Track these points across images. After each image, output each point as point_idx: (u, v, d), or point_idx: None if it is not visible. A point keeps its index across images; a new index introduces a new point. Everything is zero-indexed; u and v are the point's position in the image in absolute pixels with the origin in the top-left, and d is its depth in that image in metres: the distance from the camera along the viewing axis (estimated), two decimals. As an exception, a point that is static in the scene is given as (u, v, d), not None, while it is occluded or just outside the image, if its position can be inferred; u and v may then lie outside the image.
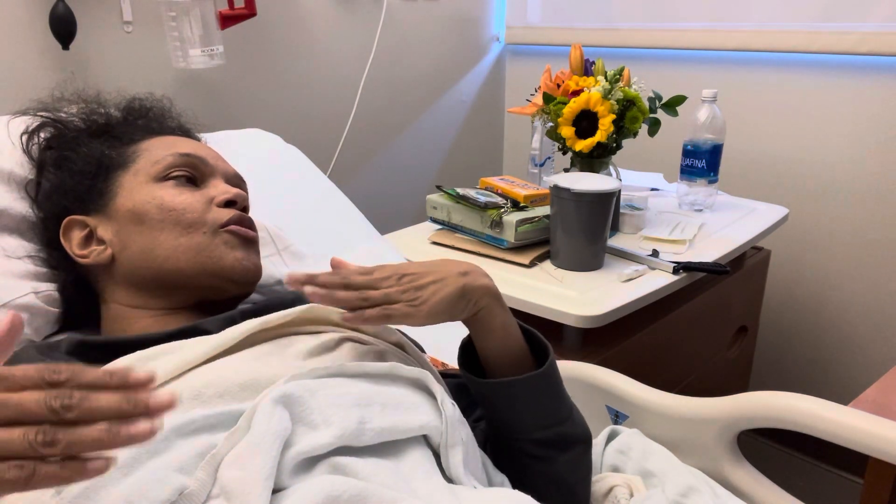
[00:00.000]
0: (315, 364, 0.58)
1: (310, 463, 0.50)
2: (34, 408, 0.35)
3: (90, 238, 0.72)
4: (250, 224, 0.74)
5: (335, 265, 0.63)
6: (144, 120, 0.83)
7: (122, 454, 0.45)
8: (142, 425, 0.36)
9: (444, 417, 0.56)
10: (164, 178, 0.72)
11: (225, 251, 0.70)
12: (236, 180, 0.79)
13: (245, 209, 0.76)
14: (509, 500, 0.53)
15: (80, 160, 0.75)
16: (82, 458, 0.36)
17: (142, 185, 0.71)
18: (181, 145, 0.75)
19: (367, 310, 0.58)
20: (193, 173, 0.73)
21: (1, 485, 0.35)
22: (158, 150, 0.74)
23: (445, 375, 0.72)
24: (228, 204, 0.73)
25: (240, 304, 0.74)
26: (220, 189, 0.73)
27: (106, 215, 0.72)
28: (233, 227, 0.71)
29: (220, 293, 0.71)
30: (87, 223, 0.73)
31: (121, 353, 0.57)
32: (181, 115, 0.87)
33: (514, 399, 0.65)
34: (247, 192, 0.80)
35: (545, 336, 0.70)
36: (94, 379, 0.36)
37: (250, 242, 0.73)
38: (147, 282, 0.70)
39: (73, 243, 0.72)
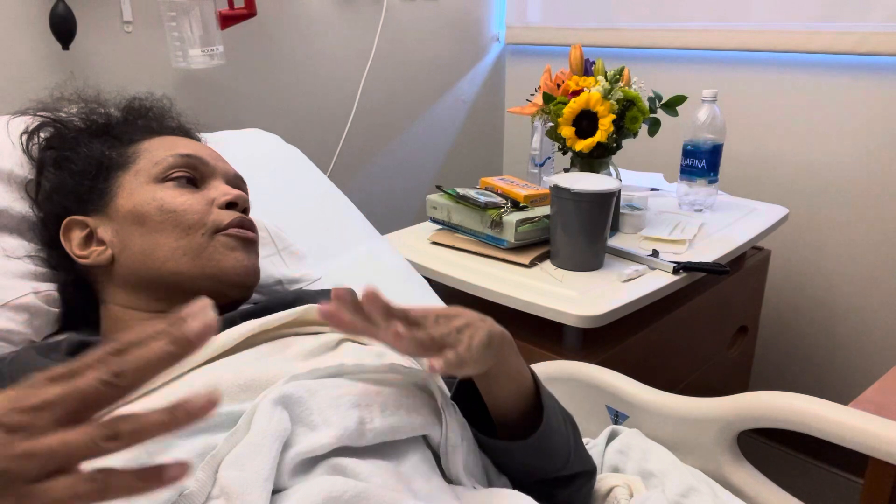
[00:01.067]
0: (315, 364, 0.58)
1: (310, 464, 0.50)
2: (89, 390, 0.33)
3: (90, 238, 0.72)
4: (251, 226, 0.74)
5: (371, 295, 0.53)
6: (144, 120, 0.83)
7: (121, 455, 0.45)
8: (199, 401, 0.35)
9: (445, 419, 0.56)
10: (164, 179, 0.72)
11: (224, 253, 0.70)
12: (237, 181, 0.79)
13: (246, 210, 0.76)
14: (510, 501, 0.53)
15: (80, 160, 0.75)
16: (157, 465, 0.34)
17: (142, 185, 0.71)
18: (181, 146, 0.75)
19: (433, 359, 0.51)
20: (194, 174, 0.73)
21: (73, 501, 0.33)
22: (159, 151, 0.74)
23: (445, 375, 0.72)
24: (229, 205, 0.73)
25: (240, 306, 0.74)
26: (220, 190, 0.73)
27: (106, 216, 0.72)
28: (232, 231, 0.71)
29: (218, 297, 0.70)
30: (87, 223, 0.72)
31: None
32: (181, 115, 0.87)
33: (510, 457, 0.63)
34: (247, 193, 0.80)
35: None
36: (135, 338, 0.35)
37: (250, 243, 0.73)
38: (147, 283, 0.70)
39: (73, 243, 0.72)
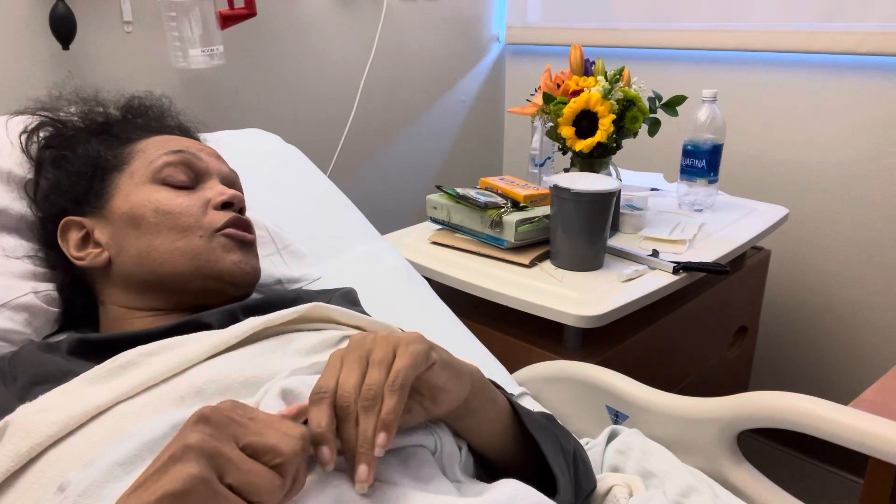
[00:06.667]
0: (316, 360, 0.58)
1: (309, 460, 0.50)
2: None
3: (87, 240, 0.72)
4: (247, 226, 0.74)
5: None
6: (143, 119, 0.83)
7: (123, 452, 0.45)
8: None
9: (436, 434, 0.55)
10: (159, 180, 0.71)
11: (221, 255, 0.69)
12: (231, 180, 0.78)
13: (242, 210, 0.76)
14: (512, 489, 0.53)
15: (77, 160, 0.75)
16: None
17: (138, 187, 0.71)
18: (174, 143, 0.75)
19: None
20: (188, 173, 0.73)
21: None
22: (153, 151, 0.74)
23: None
24: (225, 206, 0.72)
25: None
26: (216, 190, 0.73)
27: (103, 217, 0.72)
28: (229, 231, 0.70)
29: (218, 295, 0.70)
30: (84, 224, 0.72)
31: (121, 350, 0.57)
32: (181, 114, 0.87)
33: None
34: (242, 192, 0.79)
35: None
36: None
37: (248, 245, 0.73)
38: (144, 284, 0.70)
39: (69, 244, 0.72)
